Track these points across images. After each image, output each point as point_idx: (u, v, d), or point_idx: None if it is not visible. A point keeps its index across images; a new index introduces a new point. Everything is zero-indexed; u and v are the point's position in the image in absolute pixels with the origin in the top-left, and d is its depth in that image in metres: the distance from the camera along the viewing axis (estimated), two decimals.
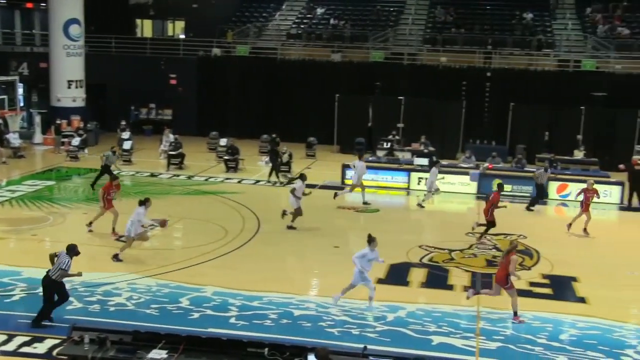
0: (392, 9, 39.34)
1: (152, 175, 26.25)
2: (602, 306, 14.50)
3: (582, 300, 14.98)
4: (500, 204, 19.17)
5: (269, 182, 25.84)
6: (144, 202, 16.53)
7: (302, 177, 20.09)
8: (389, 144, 29.75)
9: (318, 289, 15.51)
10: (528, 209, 23.10)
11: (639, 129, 30.12)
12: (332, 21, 38.00)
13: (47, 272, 12.62)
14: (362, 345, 10.51)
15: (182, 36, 40.99)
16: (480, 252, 18.16)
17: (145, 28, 42.40)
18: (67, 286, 13.06)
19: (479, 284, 15.64)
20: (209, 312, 13.45)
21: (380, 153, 29.29)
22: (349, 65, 34.79)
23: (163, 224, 17.12)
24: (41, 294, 12.71)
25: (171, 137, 29.46)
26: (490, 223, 18.97)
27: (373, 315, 13.61)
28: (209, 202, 22.87)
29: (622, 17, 35.67)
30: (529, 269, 16.95)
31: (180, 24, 42.23)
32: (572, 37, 35.15)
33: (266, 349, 9.71)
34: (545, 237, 19.70)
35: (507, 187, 24.71)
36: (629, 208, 23.71)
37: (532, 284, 15.84)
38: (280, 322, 13.12)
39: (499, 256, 17.56)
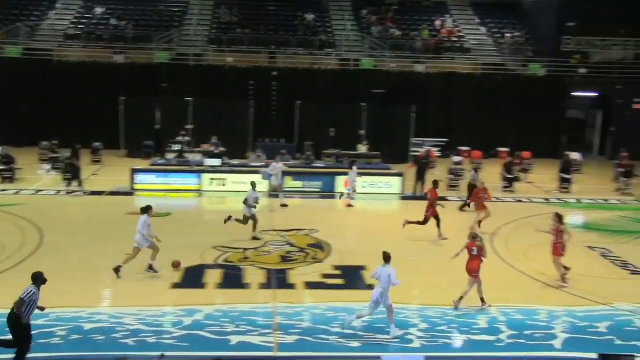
0: (175, 9, 38.75)
1: None
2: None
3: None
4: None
5: (80, 192, 24.42)
6: (146, 210, 15.77)
7: (253, 184, 19.76)
8: (179, 146, 29.27)
9: (110, 299, 14.82)
10: (461, 209, 23.61)
11: (414, 123, 32.20)
12: (113, 21, 36.67)
13: (12, 309, 10.96)
14: (159, 353, 10.19)
15: None
16: (275, 249, 18.37)
17: None
18: None
19: (275, 281, 15.82)
20: None
21: (170, 155, 28.73)
22: (133, 66, 33.78)
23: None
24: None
25: None
26: (436, 217, 19.52)
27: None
28: None
29: (393, 19, 37.93)
30: (322, 261, 17.43)
31: None
32: (351, 38, 36.78)
33: None
34: (336, 230, 20.38)
35: (298, 184, 25.42)
36: (414, 197, 25.15)
37: (325, 275, 16.31)
38: (70, 338, 12.35)
39: (293, 252, 18.01)
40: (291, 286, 15.63)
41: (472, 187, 23.67)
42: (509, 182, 26.54)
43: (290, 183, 25.49)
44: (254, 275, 16.18)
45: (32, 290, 11.05)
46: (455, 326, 13.48)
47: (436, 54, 35.70)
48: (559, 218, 15.93)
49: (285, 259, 17.57)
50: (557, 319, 13.91)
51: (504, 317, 13.88)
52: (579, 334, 13.24)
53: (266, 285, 15.60)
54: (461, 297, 14.31)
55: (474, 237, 14.73)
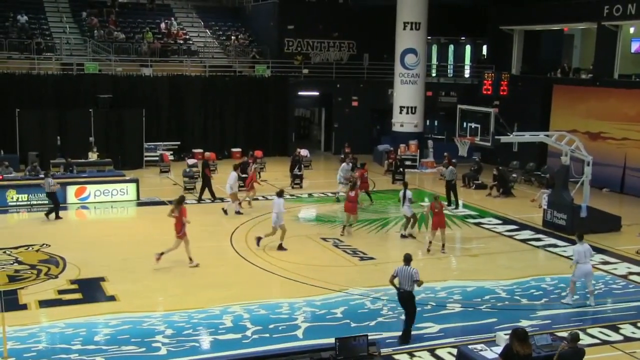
0: None
1: None
2: (131, 300, 14.87)
3: (112, 298, 15.12)
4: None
5: None
6: None
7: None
8: None
9: None
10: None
11: (145, 127, 31.59)
12: None
13: (401, 288, 12.87)
14: None
15: None
16: (1, 269, 16.93)
17: None
18: None
19: (4, 303, 14.61)
20: None
21: None
22: None
23: None
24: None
25: None
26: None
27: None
28: None
29: (116, 22, 36.84)
30: (56, 277, 16.45)
31: None
32: (72, 41, 35.02)
33: None
34: (70, 243, 19.36)
35: (23, 197, 23.72)
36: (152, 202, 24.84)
37: (61, 291, 15.42)
38: None
39: (22, 270, 16.76)
40: (24, 307, 14.55)
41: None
42: (244, 181, 27.07)
43: (15, 196, 23.71)
44: None
45: (416, 271, 12.90)
46: (201, 328, 13.50)
47: (163, 57, 35.37)
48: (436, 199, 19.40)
49: (14, 278, 16.30)
50: (298, 309, 14.53)
51: (248, 314, 14.16)
52: (319, 322, 13.97)
53: None
54: (443, 245, 19.05)
55: (435, 198, 19.39)
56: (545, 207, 22.36)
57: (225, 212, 22.95)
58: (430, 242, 19.06)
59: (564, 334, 10.77)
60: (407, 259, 13.10)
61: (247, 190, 24.31)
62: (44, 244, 18.98)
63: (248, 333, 13.24)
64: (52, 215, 22.13)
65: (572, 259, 15.41)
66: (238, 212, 22.73)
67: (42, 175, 23.24)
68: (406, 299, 12.99)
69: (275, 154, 35.18)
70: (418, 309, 14.67)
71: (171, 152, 32.48)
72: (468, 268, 18.06)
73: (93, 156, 29.29)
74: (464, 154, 22.97)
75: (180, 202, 17.74)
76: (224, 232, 20.88)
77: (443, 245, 19.12)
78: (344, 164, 26.54)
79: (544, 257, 19.30)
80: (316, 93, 38.04)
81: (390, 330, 13.48)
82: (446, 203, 24.24)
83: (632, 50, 29.83)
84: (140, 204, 24.78)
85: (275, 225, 18.88)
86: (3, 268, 17.00)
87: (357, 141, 34.12)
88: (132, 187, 25.13)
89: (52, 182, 22.42)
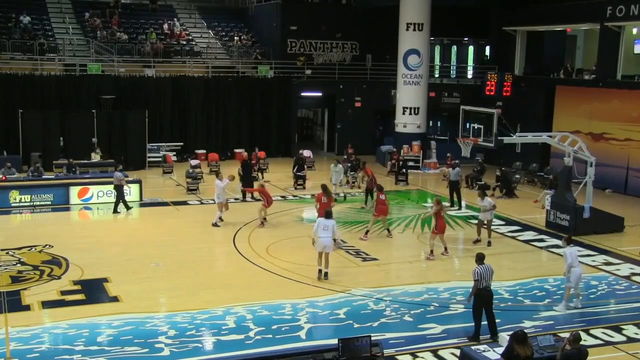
0: None
1: None
2: (134, 301, 14.85)
3: (115, 299, 15.11)
4: None
5: None
6: None
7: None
8: None
9: None
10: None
11: (148, 128, 31.58)
12: None
13: (488, 287, 13.05)
14: None
15: None
16: (4, 270, 16.95)
17: None
18: None
19: (6, 304, 14.60)
20: None
21: None
22: None
23: None
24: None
25: None
26: None
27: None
28: None
29: (119, 22, 36.86)
30: (59, 278, 16.45)
31: None
32: (75, 42, 35.05)
33: None
34: (72, 244, 19.36)
35: (26, 198, 23.74)
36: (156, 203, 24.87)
37: (64, 292, 15.42)
38: None
39: (25, 270, 16.76)
40: (27, 307, 14.55)
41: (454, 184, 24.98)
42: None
43: (18, 197, 23.73)
44: None
45: (476, 270, 13.21)
46: (204, 329, 13.49)
47: (165, 58, 35.39)
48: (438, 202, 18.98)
49: (16, 279, 16.30)
50: (301, 310, 14.52)
51: (251, 315, 14.15)
52: (322, 322, 13.97)
53: None
54: (445, 248, 18.91)
55: (438, 202, 18.80)
56: (548, 208, 22.32)
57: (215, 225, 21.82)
58: (432, 251, 18.77)
59: (567, 335, 10.74)
60: (482, 258, 13.37)
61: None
62: (46, 245, 19.00)
63: (251, 334, 13.23)
64: (124, 209, 23.57)
65: None
66: (215, 225, 21.71)
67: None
68: (492, 297, 13.27)
69: (278, 154, 35.19)
70: (421, 309, 14.72)
71: (174, 153, 32.47)
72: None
73: (96, 157, 29.32)
74: (467, 155, 22.93)
75: (326, 189, 20.15)
76: (226, 233, 20.88)
77: (446, 249, 19.03)
78: (332, 165, 26.51)
79: (546, 258, 19.28)
80: (319, 94, 38.02)
81: (393, 331, 13.45)
82: (449, 204, 24.25)
83: (635, 51, 29.79)
84: (143, 204, 24.78)
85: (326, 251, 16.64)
86: (6, 269, 17.01)
87: (360, 142, 34.12)
88: (135, 187, 25.12)
89: (121, 176, 23.33)
